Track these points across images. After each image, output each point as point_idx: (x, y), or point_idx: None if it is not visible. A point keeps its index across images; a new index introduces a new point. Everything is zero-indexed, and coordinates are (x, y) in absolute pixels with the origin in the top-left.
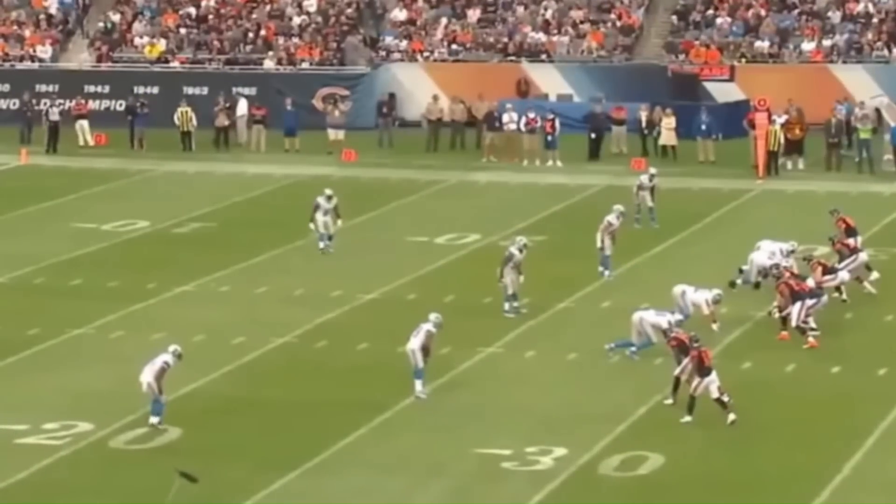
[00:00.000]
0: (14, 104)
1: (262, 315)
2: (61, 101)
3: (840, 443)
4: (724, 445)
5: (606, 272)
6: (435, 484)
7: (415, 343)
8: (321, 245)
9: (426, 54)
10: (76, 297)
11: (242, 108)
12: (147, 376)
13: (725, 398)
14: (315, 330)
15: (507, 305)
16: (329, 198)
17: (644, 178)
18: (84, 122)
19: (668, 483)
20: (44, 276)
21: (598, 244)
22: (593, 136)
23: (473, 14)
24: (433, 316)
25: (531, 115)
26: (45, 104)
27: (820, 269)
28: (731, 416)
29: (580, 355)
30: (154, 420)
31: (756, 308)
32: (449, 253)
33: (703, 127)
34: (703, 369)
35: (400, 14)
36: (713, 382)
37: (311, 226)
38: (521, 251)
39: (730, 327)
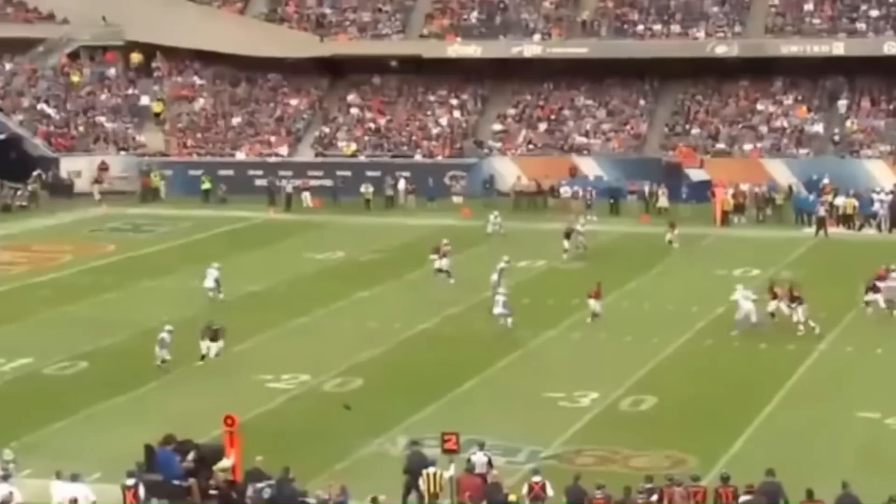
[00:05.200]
0: (264, 182)
1: (414, 311)
2: (294, 180)
3: (763, 391)
4: (694, 392)
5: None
6: (516, 416)
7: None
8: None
9: (513, 151)
10: (305, 299)
11: (402, 184)
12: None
13: None
14: (443, 320)
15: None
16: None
17: (578, 226)
18: (307, 193)
19: (658, 414)
20: (284, 287)
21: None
22: (611, 200)
23: (542, 126)
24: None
25: (577, 188)
26: (283, 182)
27: None
28: None
29: (608, 335)
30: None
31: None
32: (527, 273)
33: (684, 196)
34: None
35: (497, 126)
36: None
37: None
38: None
39: (700, 317)
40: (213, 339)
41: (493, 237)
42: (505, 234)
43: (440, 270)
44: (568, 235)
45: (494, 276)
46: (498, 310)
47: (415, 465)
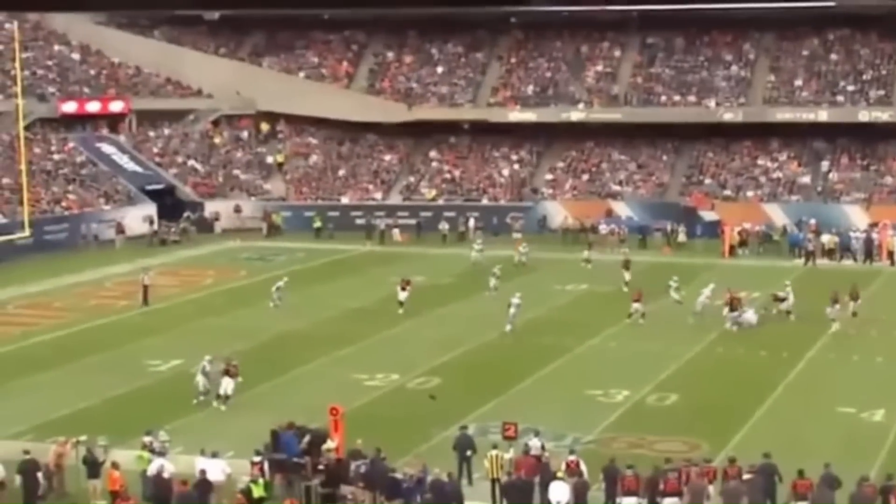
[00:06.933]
0: (363, 221)
1: (480, 324)
2: (386, 219)
3: (762, 390)
4: (708, 390)
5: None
6: (563, 409)
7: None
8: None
9: (561, 196)
10: (394, 314)
11: (472, 222)
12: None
13: None
14: (503, 332)
15: None
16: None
17: (623, 261)
18: (396, 230)
19: (678, 408)
20: (377, 305)
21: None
22: (640, 236)
23: (585, 176)
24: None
25: (613, 226)
26: (378, 221)
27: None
28: None
29: (638, 343)
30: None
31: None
32: (572, 294)
33: (699, 233)
34: None
35: (549, 176)
36: None
37: (491, 283)
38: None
39: (712, 330)
40: (231, 375)
41: (517, 266)
42: (525, 262)
43: (401, 303)
44: (626, 266)
45: (512, 310)
46: (511, 311)
47: (462, 445)
